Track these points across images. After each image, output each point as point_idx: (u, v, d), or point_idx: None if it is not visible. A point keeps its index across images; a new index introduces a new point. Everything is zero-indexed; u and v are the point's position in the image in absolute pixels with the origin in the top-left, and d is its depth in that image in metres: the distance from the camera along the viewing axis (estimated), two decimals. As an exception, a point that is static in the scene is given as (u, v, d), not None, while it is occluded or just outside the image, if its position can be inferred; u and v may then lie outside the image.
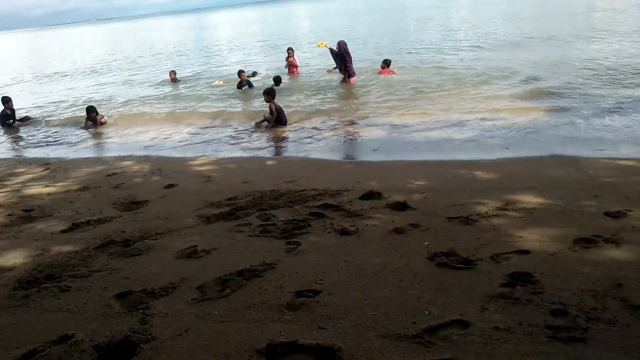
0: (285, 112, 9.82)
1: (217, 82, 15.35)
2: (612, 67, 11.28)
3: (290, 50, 15.59)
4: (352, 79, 12.60)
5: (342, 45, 12.24)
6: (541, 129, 7.58)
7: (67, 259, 4.24)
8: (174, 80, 16.82)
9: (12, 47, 72.57)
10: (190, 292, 3.46)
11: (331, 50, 12.52)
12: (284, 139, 8.91)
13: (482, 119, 8.44)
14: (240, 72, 14.02)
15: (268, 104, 9.61)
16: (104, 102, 14.50)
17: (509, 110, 8.83)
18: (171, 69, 17.77)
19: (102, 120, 11.71)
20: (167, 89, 15.99)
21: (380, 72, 13.58)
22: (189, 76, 18.39)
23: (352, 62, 12.61)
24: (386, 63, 13.79)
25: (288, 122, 9.73)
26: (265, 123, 9.72)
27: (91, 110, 11.56)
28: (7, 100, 12.50)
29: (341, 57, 12.37)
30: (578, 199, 4.59)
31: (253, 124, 10.04)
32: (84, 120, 11.62)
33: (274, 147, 8.55)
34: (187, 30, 62.42)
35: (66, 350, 2.87)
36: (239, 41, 34.64)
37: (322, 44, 13.00)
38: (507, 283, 3.16)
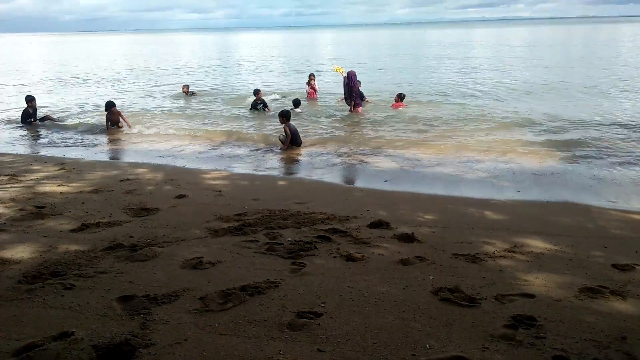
0: (300, 134, 9.94)
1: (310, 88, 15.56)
2: (633, 123, 11.25)
3: (312, 76, 16.00)
4: (359, 109, 12.94)
5: (351, 76, 12.60)
6: (554, 175, 7.57)
7: (74, 257, 4.28)
8: (186, 93, 17.35)
9: (42, 49, 74.34)
10: (192, 302, 3.47)
11: (345, 78, 12.81)
12: (297, 161, 8.99)
13: (496, 160, 8.47)
14: (256, 91, 14.24)
15: (283, 126, 9.74)
16: (122, 110, 14.76)
17: (523, 154, 8.84)
18: (185, 83, 18.37)
19: (120, 123, 11.95)
20: (182, 102, 16.41)
21: (393, 106, 13.80)
22: (206, 90, 18.83)
23: (360, 94, 13.03)
24: (400, 97, 14.04)
25: (303, 145, 9.83)
26: (281, 145, 9.82)
27: (111, 105, 11.94)
28: (30, 99, 12.80)
29: (349, 87, 12.72)
30: (586, 248, 4.57)
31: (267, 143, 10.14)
32: (105, 119, 11.98)
33: (286, 168, 8.62)
34: (212, 48, 63.68)
35: (65, 347, 2.89)
36: (261, 62, 35.27)
37: (338, 69, 13.46)
38: (510, 325, 3.14)
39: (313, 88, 15.89)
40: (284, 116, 9.77)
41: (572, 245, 4.65)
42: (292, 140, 9.67)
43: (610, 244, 4.70)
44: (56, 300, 3.51)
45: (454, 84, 19.05)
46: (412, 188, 6.99)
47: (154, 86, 21.27)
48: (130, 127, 12.02)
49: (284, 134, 9.72)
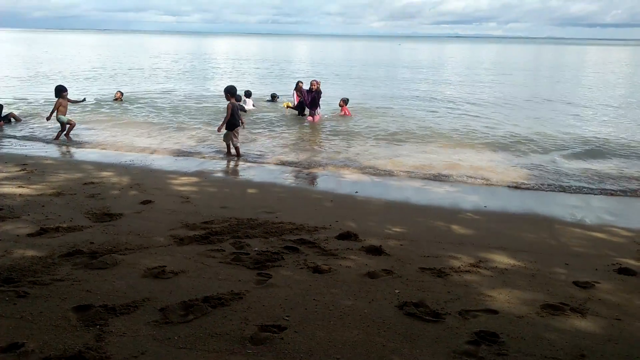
0: (271, 143, 9.87)
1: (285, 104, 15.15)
2: (600, 143, 11.60)
3: (300, 83, 15.52)
4: (316, 118, 13.21)
5: (318, 86, 12.86)
6: (520, 192, 7.73)
7: (30, 263, 4.11)
8: (119, 100, 16.51)
9: (7, 45, 72.11)
10: (152, 313, 3.36)
11: (311, 93, 13.13)
12: (267, 170, 8.90)
13: (464, 175, 8.58)
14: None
15: (227, 103, 9.39)
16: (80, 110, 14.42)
17: (491, 169, 9.00)
18: (118, 89, 17.55)
19: (72, 122, 11.10)
20: (116, 108, 15.68)
21: (342, 113, 14.08)
22: (140, 94, 18.51)
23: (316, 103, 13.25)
24: (344, 102, 14.22)
25: (273, 154, 9.75)
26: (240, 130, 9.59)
27: (62, 89, 10.83)
28: None
29: (312, 99, 13.01)
30: (549, 265, 4.65)
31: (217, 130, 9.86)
32: (55, 106, 10.75)
33: (256, 176, 8.51)
34: (186, 51, 63.04)
35: (14, 359, 2.75)
36: (226, 67, 35.07)
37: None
38: (473, 341, 3.15)
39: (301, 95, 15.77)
40: (229, 92, 9.39)
41: (535, 261, 4.73)
42: (231, 121, 9.32)
43: (571, 261, 4.80)
44: (7, 308, 3.35)
45: (425, 98, 19.35)
46: (382, 200, 7.02)
47: (119, 86, 20.83)
48: (68, 130, 11.15)
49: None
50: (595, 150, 10.85)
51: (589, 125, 14.12)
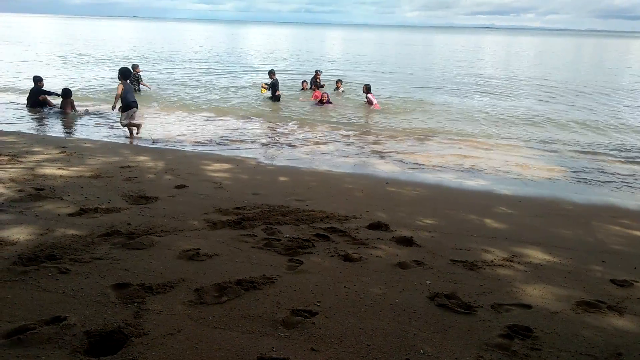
0: (302, 132, 9.89)
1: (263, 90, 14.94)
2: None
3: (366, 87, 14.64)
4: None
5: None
6: (556, 188, 7.55)
7: (70, 242, 4.26)
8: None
9: (48, 30, 74.13)
10: (187, 293, 3.45)
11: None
12: (297, 158, 8.93)
13: (498, 169, 8.44)
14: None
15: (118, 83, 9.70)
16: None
17: (526, 164, 8.82)
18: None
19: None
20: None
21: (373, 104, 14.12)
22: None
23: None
24: (367, 89, 14.36)
25: (304, 143, 9.77)
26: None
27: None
28: (38, 80, 12.72)
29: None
30: (585, 262, 4.55)
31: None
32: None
33: (286, 164, 8.56)
34: (210, 38, 63.56)
35: (57, 331, 2.87)
36: (254, 57, 35.20)
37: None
38: (506, 334, 3.12)
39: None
40: (123, 74, 9.67)
41: (571, 257, 4.63)
42: (125, 102, 9.64)
43: (609, 259, 4.68)
44: (50, 284, 3.49)
45: (460, 91, 19.05)
46: (413, 192, 6.97)
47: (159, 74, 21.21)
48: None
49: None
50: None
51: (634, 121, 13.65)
